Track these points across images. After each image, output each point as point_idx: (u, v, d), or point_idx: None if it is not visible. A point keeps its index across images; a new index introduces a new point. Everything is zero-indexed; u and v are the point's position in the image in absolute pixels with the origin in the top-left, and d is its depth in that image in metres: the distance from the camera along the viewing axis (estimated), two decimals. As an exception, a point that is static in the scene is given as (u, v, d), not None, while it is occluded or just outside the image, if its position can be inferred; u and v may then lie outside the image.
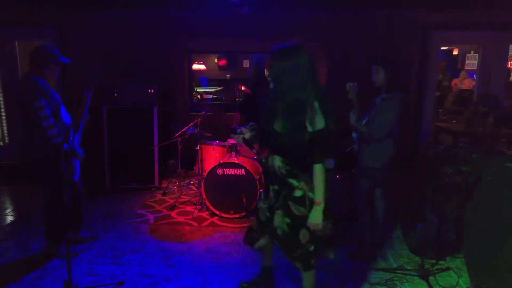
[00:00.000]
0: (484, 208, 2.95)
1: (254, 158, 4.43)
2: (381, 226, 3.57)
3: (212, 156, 4.65)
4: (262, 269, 2.92)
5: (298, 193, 2.30)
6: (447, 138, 5.43)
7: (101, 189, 5.08)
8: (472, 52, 7.43)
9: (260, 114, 2.40)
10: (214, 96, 9.03)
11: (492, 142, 4.72)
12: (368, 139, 3.21)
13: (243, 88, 6.01)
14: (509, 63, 6.63)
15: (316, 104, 2.15)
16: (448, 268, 3.22)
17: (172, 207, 4.56)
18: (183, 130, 4.72)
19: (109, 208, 4.59)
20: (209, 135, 4.86)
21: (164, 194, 5.06)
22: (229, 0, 5.20)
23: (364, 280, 3.06)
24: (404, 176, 4.90)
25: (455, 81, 7.59)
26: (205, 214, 4.38)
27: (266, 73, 2.33)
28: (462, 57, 8.28)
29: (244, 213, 4.20)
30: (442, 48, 6.44)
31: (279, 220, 2.39)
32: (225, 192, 4.20)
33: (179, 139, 4.80)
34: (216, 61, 9.89)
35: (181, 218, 4.28)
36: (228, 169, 4.18)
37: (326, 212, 2.29)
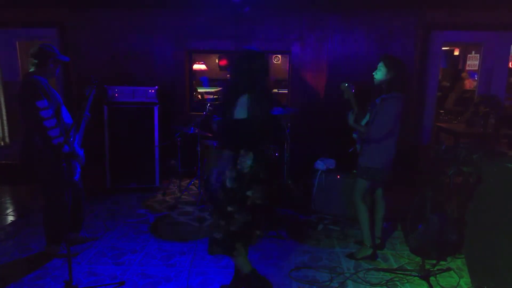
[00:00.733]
0: (485, 209, 2.95)
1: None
2: (382, 227, 3.58)
3: (212, 156, 4.64)
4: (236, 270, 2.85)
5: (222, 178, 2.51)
6: (448, 139, 5.42)
7: (102, 189, 5.08)
8: (473, 52, 7.41)
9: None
10: (215, 96, 9.04)
11: (493, 143, 4.71)
12: (367, 139, 3.20)
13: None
14: (510, 63, 6.61)
15: (244, 98, 2.34)
16: (449, 269, 3.22)
17: (173, 207, 4.56)
18: (183, 130, 4.71)
19: (110, 208, 4.59)
20: (210, 135, 4.86)
21: (164, 194, 5.06)
22: (231, 0, 5.20)
23: (365, 281, 3.05)
24: (405, 176, 4.89)
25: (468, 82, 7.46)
26: (205, 214, 4.38)
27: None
28: (463, 57, 8.27)
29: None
30: (443, 48, 6.42)
31: None
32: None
33: (179, 139, 4.80)
34: (217, 61, 9.90)
35: (181, 218, 4.28)
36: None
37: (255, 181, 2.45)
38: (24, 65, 5.96)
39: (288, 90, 6.01)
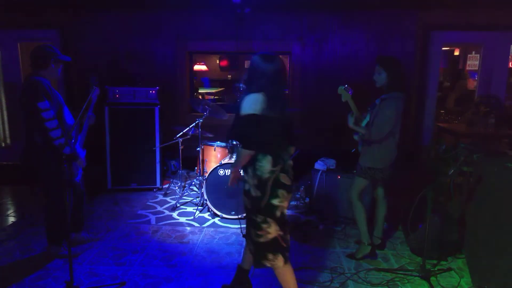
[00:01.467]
0: (485, 209, 2.95)
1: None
2: (383, 227, 3.58)
3: (213, 157, 4.66)
4: (237, 271, 2.85)
5: (246, 186, 2.43)
6: (448, 139, 5.42)
7: (103, 190, 5.09)
8: (473, 52, 7.41)
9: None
10: (216, 97, 9.04)
11: (494, 143, 4.71)
12: (368, 140, 3.20)
13: None
14: (510, 63, 6.61)
15: (253, 95, 2.30)
16: (449, 269, 3.22)
17: (174, 208, 4.57)
18: (184, 131, 4.72)
19: (111, 208, 4.59)
20: (211, 135, 4.87)
21: (165, 194, 5.06)
22: (231, 1, 5.21)
23: (365, 281, 3.06)
24: (405, 176, 4.89)
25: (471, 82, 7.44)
26: (206, 215, 4.39)
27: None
28: (463, 57, 8.27)
29: (246, 215, 4.20)
30: (443, 48, 6.42)
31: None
32: (226, 193, 4.20)
33: (180, 139, 4.81)
34: (217, 61, 9.91)
35: (182, 219, 4.29)
36: (230, 170, 4.18)
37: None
38: (25, 66, 5.98)
39: (288, 90, 6.02)
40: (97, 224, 4.11)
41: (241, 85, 2.56)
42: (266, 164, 2.32)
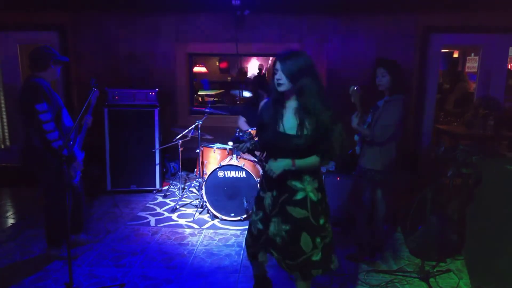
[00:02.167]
0: (484, 210, 2.96)
1: (256, 162, 4.43)
2: (382, 228, 3.58)
3: (213, 158, 4.66)
4: (257, 279, 2.77)
5: (299, 195, 2.24)
6: (447, 140, 5.43)
7: (102, 192, 5.09)
8: (473, 54, 7.43)
9: (263, 117, 2.36)
10: (216, 99, 9.05)
11: (493, 144, 4.72)
12: (370, 141, 3.21)
13: None
14: (509, 65, 6.62)
15: (320, 106, 2.15)
16: (448, 270, 3.22)
17: (173, 210, 4.57)
18: (184, 133, 4.73)
19: (110, 210, 4.59)
20: (210, 137, 4.88)
21: (165, 196, 5.07)
22: (231, 3, 5.22)
23: (365, 282, 3.06)
24: (405, 178, 4.90)
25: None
26: (206, 217, 4.39)
27: (269, 76, 2.33)
28: (462, 59, 8.29)
29: (246, 216, 4.21)
30: (442, 50, 6.44)
31: (277, 228, 2.29)
32: (226, 195, 4.21)
33: (180, 141, 4.82)
34: (217, 63, 9.94)
35: (182, 221, 4.29)
36: (229, 172, 4.19)
37: (326, 213, 2.30)
38: (24, 68, 5.99)
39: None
40: (97, 226, 4.11)
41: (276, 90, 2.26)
42: (315, 190, 2.27)
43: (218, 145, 4.67)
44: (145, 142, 5.11)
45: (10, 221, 4.35)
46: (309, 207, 2.24)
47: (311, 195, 2.25)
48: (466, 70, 7.67)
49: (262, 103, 2.54)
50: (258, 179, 4.20)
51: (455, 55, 8.54)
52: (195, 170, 5.07)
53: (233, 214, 4.22)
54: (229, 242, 3.78)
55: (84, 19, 5.78)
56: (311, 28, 5.66)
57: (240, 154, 4.39)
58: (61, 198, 3.24)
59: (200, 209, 4.51)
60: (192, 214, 4.43)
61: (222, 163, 4.27)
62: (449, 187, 3.75)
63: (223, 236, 3.91)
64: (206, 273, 3.20)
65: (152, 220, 4.31)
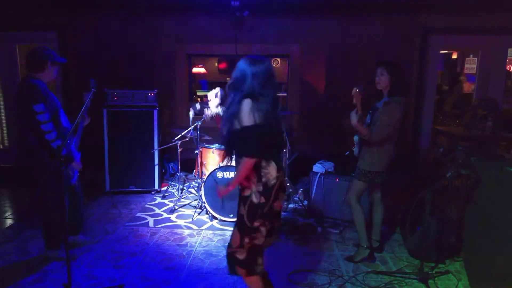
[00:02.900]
0: (483, 212, 2.96)
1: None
2: (381, 230, 3.59)
3: (211, 159, 4.66)
4: None
5: (246, 192, 2.31)
6: (446, 142, 5.43)
7: (101, 192, 5.08)
8: (471, 55, 7.44)
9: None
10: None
11: (491, 146, 4.73)
12: (368, 142, 3.21)
13: None
14: (507, 66, 6.63)
15: (246, 103, 2.20)
16: (447, 272, 3.23)
17: (172, 211, 4.57)
18: (183, 134, 4.73)
19: (109, 211, 4.59)
20: (209, 138, 4.87)
21: (164, 197, 5.06)
22: (230, 4, 5.22)
23: (363, 284, 3.06)
24: (403, 179, 4.90)
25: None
26: (204, 218, 4.38)
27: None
28: (461, 60, 8.29)
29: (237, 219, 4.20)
30: (441, 52, 6.44)
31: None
32: (224, 196, 4.19)
33: (179, 142, 4.81)
34: (216, 64, 9.93)
35: (180, 222, 4.28)
36: (228, 173, 4.19)
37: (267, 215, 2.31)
38: (23, 69, 5.98)
39: (287, 93, 6.03)
40: (95, 227, 4.10)
41: (227, 90, 2.39)
42: (271, 171, 2.27)
43: (217, 146, 4.67)
44: (144, 142, 5.11)
45: (8, 221, 4.34)
46: (249, 206, 2.30)
47: (253, 196, 2.28)
48: (465, 71, 7.67)
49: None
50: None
51: (454, 56, 8.55)
52: (194, 170, 5.06)
53: (231, 215, 4.22)
54: (228, 243, 3.77)
55: (83, 19, 5.78)
56: (310, 29, 5.66)
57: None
58: (59, 199, 3.22)
59: (199, 210, 4.51)
60: (191, 215, 4.43)
61: (221, 164, 4.27)
62: (448, 188, 3.76)
63: (221, 237, 3.90)
64: (205, 274, 3.19)
65: (151, 220, 4.31)
